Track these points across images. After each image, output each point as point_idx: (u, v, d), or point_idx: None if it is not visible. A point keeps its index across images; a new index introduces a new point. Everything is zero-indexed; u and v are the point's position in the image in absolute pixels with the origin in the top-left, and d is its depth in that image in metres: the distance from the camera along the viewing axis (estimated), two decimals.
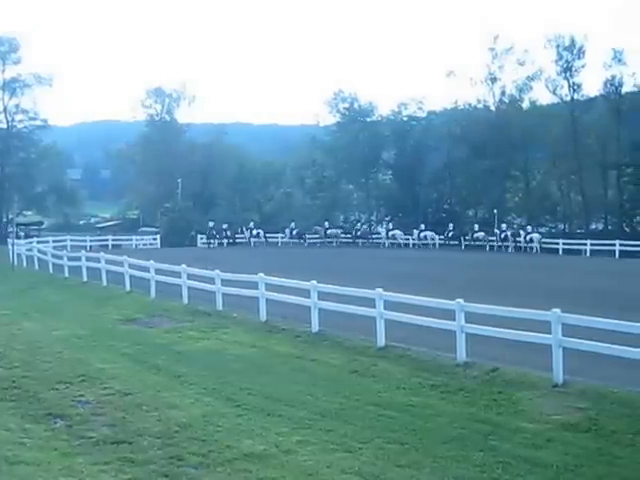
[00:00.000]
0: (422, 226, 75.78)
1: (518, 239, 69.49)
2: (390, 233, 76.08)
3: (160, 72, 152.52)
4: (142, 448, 11.23)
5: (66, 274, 40.00)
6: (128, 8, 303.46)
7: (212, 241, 71.10)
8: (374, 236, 79.25)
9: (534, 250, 66.84)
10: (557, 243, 65.90)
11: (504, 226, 72.49)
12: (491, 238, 71.46)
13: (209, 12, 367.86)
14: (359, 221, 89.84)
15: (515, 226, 77.20)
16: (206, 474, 10.23)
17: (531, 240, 68.29)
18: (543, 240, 68.68)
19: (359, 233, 79.35)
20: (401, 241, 74.67)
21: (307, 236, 75.96)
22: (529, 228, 71.88)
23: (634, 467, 10.52)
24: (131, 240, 74.11)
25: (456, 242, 72.76)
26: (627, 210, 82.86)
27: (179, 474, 10.19)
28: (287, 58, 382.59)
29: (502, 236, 70.48)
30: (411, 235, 74.69)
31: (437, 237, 73.97)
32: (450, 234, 74.10)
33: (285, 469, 10.41)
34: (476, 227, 73.31)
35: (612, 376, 14.62)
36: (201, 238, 73.68)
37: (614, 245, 62.08)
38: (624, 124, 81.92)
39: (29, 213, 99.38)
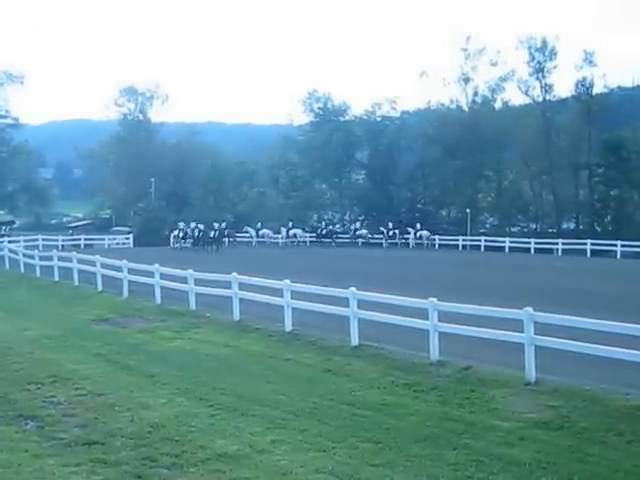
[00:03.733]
0: (290, 224, 76.60)
1: (406, 236, 72.84)
2: (260, 232, 76.01)
3: (133, 71, 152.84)
4: (114, 449, 11.15)
5: (37, 274, 39.72)
6: (101, 7, 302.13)
7: (183, 242, 69.58)
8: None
9: (425, 246, 70.62)
10: (529, 243, 66.30)
11: (390, 224, 74.54)
12: (377, 236, 74.13)
13: (183, 11, 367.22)
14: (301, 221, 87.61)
15: (402, 224, 78.48)
16: (179, 475, 10.15)
17: (420, 237, 71.96)
18: (515, 239, 69.15)
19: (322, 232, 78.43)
20: (269, 240, 75.21)
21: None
22: (418, 225, 74.33)
23: (605, 464, 10.56)
24: (103, 240, 73.52)
25: (328, 240, 74.30)
26: (598, 210, 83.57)
27: (152, 475, 10.12)
28: (261, 58, 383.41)
29: (389, 234, 73.22)
30: (279, 233, 75.59)
31: (303, 233, 76.34)
32: (323, 232, 75.53)
33: (259, 469, 10.37)
34: (357, 225, 74.01)
35: (584, 374, 14.75)
36: (174, 238, 73.00)
37: (585, 244, 62.65)
38: (595, 125, 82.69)
39: (0, 212, 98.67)
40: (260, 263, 45.93)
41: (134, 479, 10.01)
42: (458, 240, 70.41)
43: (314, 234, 77.95)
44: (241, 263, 41.63)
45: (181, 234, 69.04)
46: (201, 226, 67.88)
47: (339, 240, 75.89)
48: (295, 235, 75.37)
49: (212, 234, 66.39)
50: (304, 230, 78.33)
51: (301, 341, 20.18)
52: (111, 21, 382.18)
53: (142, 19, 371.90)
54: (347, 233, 79.55)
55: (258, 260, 51.11)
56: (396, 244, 72.77)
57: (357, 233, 76.65)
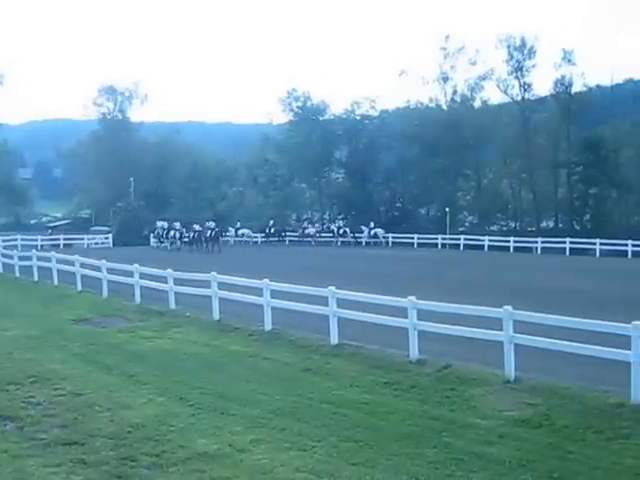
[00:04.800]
0: (238, 223, 76.60)
1: (358, 235, 72.93)
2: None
3: (112, 70, 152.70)
4: (94, 449, 11.13)
5: (17, 274, 39.48)
6: (80, 6, 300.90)
7: (163, 241, 69.04)
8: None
9: (381, 244, 70.79)
10: (508, 241, 66.51)
11: (341, 223, 75.98)
12: (326, 234, 74.30)
13: (162, 10, 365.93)
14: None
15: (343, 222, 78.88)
16: (159, 474, 10.17)
17: (375, 235, 72.18)
18: (494, 238, 69.32)
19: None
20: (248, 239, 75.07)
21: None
22: (372, 224, 74.13)
23: (585, 462, 10.63)
24: (83, 239, 73.31)
25: (276, 238, 74.22)
26: (577, 208, 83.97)
27: (132, 475, 10.12)
28: (241, 57, 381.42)
29: (340, 232, 73.43)
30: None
31: (252, 233, 75.76)
32: (272, 230, 75.30)
33: (239, 468, 10.38)
34: (305, 224, 74.14)
35: (563, 372, 14.85)
36: (153, 237, 72.66)
37: (564, 243, 62.92)
38: (574, 123, 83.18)
39: None
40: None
41: (114, 479, 9.98)
42: (437, 239, 70.47)
43: (263, 233, 76.71)
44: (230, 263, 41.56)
45: (177, 234, 67.51)
46: (196, 226, 66.17)
47: (289, 239, 75.16)
48: (243, 235, 74.93)
49: (209, 234, 64.31)
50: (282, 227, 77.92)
51: (281, 340, 20.17)
52: (91, 20, 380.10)
53: (122, 19, 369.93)
54: (296, 231, 78.09)
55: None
56: (349, 243, 72.39)
57: (306, 232, 75.60)
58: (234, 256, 54.12)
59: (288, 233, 76.75)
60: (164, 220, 71.23)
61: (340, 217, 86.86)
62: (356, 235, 73.29)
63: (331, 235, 74.10)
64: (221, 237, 67.43)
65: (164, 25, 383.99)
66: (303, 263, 47.06)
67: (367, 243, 72.19)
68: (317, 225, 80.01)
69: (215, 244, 62.56)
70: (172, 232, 68.22)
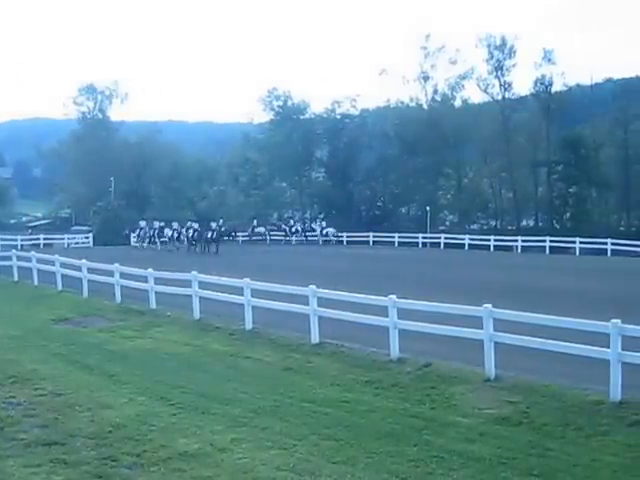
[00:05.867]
0: (159, 223, 72.23)
1: (309, 233, 73.55)
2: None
3: (92, 69, 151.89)
4: (75, 449, 11.10)
5: None
6: (60, 5, 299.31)
7: (154, 241, 66.21)
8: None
9: (331, 242, 71.35)
10: (488, 240, 66.77)
11: (292, 222, 75.98)
12: (277, 233, 74.20)
13: (142, 9, 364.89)
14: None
15: (307, 221, 79.19)
16: (140, 474, 10.14)
17: (327, 234, 72.71)
18: (474, 237, 69.55)
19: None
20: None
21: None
22: (324, 223, 74.98)
23: (565, 459, 10.70)
24: (63, 239, 72.97)
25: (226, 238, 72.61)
26: (557, 207, 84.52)
27: (113, 475, 10.09)
28: (222, 56, 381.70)
29: (292, 230, 73.71)
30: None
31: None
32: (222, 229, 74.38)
33: (220, 467, 10.39)
34: (255, 222, 73.97)
35: (543, 370, 14.93)
36: (134, 237, 72.12)
37: (544, 241, 63.24)
38: (554, 122, 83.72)
39: None
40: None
41: (95, 479, 9.95)
42: (418, 238, 70.60)
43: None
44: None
45: (176, 234, 64.66)
46: (195, 225, 63.36)
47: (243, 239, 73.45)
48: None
49: (210, 234, 60.98)
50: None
51: (261, 339, 20.18)
52: (72, 19, 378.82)
53: (102, 18, 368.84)
54: (245, 231, 76.03)
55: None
56: (302, 241, 72.15)
57: (255, 231, 74.74)
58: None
59: (239, 233, 73.69)
60: (145, 219, 70.35)
61: (320, 216, 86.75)
62: (307, 234, 73.55)
63: (283, 234, 73.74)
64: (234, 236, 66.83)
65: (145, 24, 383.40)
66: (284, 263, 47.01)
67: (325, 242, 72.04)
68: (269, 226, 78.78)
69: (216, 245, 59.53)
70: (170, 232, 66.06)
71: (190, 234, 62.60)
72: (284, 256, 54.85)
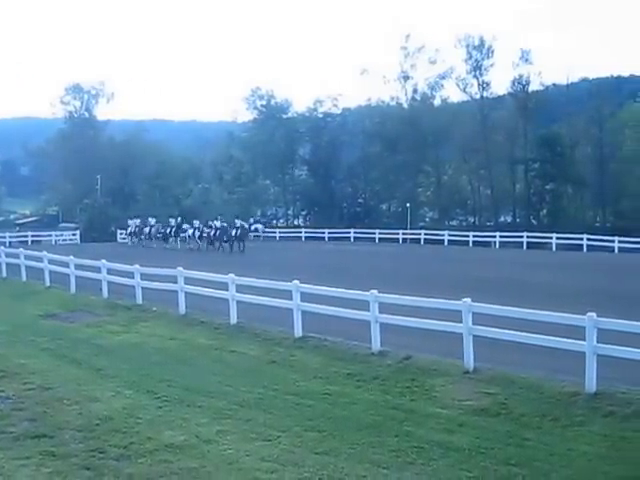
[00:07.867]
0: (153, 219, 70.65)
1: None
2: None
3: (79, 69, 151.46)
4: (63, 442, 11.21)
5: None
6: (46, 4, 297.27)
7: (199, 240, 62.15)
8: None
9: (260, 238, 71.58)
10: (467, 236, 67.16)
11: (217, 222, 74.09)
12: (207, 230, 72.29)
13: (127, 9, 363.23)
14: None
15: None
16: (128, 466, 10.24)
17: (256, 230, 73.01)
18: (453, 233, 69.89)
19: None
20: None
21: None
22: (251, 220, 74.61)
23: (542, 448, 10.94)
24: (51, 236, 72.89)
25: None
26: (534, 203, 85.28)
27: (100, 466, 10.20)
28: (205, 55, 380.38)
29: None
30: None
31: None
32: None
33: (206, 459, 10.53)
34: (179, 219, 73.41)
35: (521, 362, 15.18)
36: (121, 234, 71.79)
37: (522, 237, 63.78)
38: (531, 121, 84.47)
39: None
40: None
41: (83, 471, 10.06)
42: (398, 234, 70.84)
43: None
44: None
45: (191, 231, 62.21)
46: (217, 223, 60.35)
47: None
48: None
49: (234, 232, 58.13)
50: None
51: (246, 333, 20.33)
52: (58, 19, 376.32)
53: (88, 17, 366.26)
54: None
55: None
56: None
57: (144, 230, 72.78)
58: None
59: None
60: (138, 217, 68.72)
61: (303, 213, 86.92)
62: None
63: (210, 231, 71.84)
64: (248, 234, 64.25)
65: (130, 24, 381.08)
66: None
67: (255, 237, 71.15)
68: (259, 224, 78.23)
69: (241, 243, 57.71)
70: (130, 228, 66.07)
71: (212, 232, 60.06)
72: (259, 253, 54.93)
